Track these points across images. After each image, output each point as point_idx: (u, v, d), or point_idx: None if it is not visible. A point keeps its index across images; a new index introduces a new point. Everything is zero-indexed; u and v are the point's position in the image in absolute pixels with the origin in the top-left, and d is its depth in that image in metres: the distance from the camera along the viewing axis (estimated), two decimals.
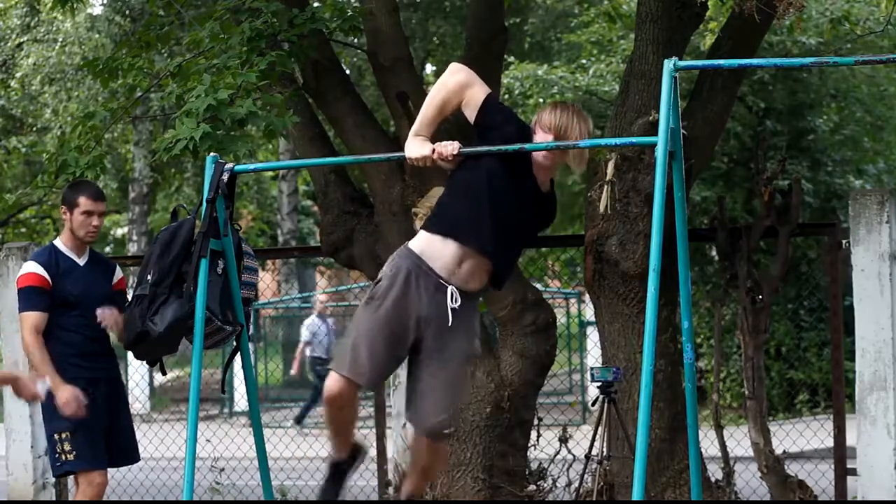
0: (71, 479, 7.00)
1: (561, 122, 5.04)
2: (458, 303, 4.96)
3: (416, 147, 5.03)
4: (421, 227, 5.16)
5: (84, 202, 6.32)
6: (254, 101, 6.40)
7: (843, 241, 7.20)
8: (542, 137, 5.07)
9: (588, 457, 7.04)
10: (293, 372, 18.89)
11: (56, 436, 6.18)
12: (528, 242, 5.47)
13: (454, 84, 5.01)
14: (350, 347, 4.94)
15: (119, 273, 6.53)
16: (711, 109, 7.38)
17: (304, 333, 17.78)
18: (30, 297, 6.22)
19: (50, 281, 6.21)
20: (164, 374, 6.27)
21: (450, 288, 4.95)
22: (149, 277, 5.71)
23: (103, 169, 7.23)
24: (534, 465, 7.68)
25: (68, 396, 6.05)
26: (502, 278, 5.11)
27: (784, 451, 7.57)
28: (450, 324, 4.95)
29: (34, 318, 6.19)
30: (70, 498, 6.50)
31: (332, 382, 4.94)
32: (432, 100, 5.04)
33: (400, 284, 4.94)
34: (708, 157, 7.93)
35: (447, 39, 22.23)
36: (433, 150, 4.99)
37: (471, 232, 4.94)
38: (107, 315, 6.17)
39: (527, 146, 5.07)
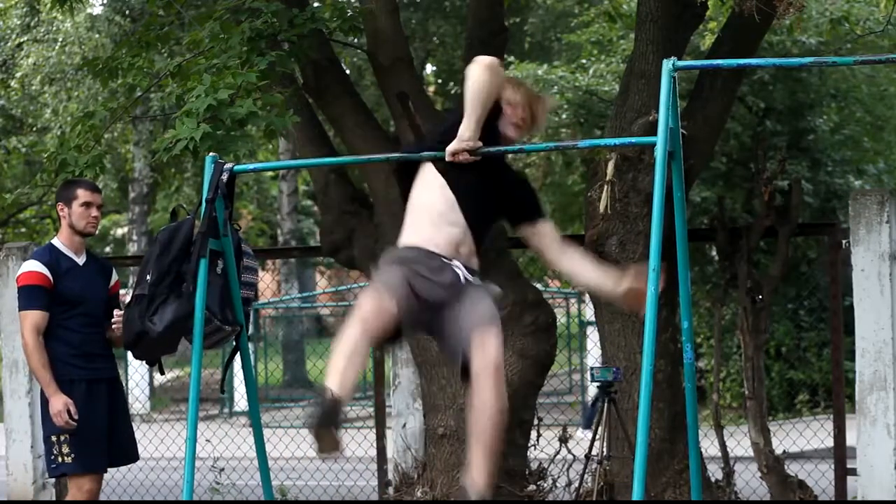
0: None
1: (522, 94, 5.12)
2: (467, 273, 4.91)
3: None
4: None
5: (82, 193, 6.32)
6: (254, 101, 6.39)
7: (843, 241, 7.20)
8: (512, 112, 5.10)
9: (588, 457, 7.04)
10: None
11: (54, 437, 6.17)
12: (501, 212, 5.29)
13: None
14: (386, 280, 4.76)
15: (115, 276, 6.53)
16: (711, 109, 7.39)
17: None
18: (31, 295, 6.20)
19: (52, 280, 6.20)
20: (162, 373, 6.27)
21: (453, 262, 4.91)
22: (148, 277, 5.70)
23: (102, 168, 7.23)
24: (534, 465, 7.68)
25: (60, 408, 6.06)
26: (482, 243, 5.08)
27: (784, 451, 7.57)
28: (459, 293, 4.87)
29: (35, 317, 6.18)
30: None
31: (373, 294, 4.68)
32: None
33: (418, 270, 4.85)
34: (708, 158, 7.94)
35: (447, 39, 22.24)
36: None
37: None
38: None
39: (526, 147, 5.11)
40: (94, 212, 6.34)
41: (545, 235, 5.17)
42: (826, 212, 14.56)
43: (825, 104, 15.16)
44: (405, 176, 5.16)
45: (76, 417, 6.09)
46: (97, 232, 6.49)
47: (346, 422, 17.49)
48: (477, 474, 4.73)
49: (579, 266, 5.15)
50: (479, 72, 4.89)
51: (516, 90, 5.15)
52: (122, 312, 6.06)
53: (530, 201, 5.24)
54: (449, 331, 4.88)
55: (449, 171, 5.01)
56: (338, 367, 4.58)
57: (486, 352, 4.72)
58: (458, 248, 4.96)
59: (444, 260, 4.91)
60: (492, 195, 5.10)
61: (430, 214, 5.00)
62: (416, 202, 5.09)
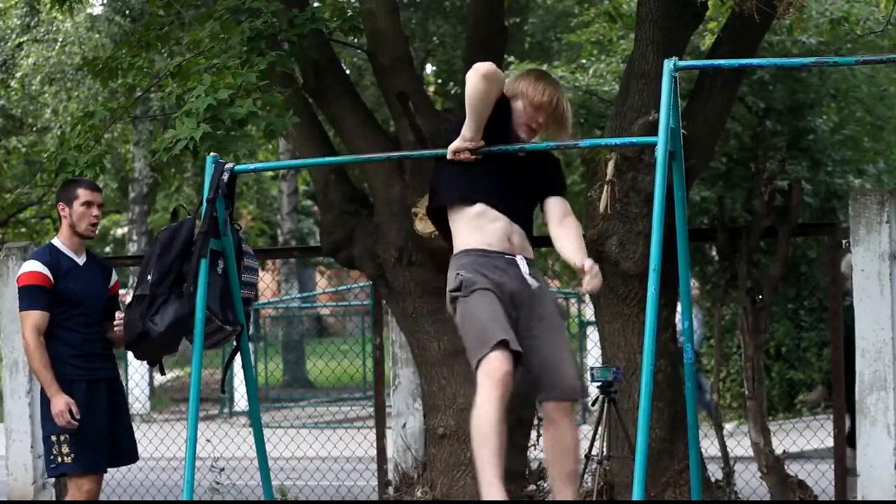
0: None
1: (547, 95, 5.16)
2: (529, 271, 5.02)
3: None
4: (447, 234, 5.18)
5: (83, 193, 6.32)
6: (254, 101, 6.39)
7: (843, 241, 7.20)
8: (531, 113, 5.14)
9: (588, 457, 7.04)
10: None
11: (54, 437, 6.17)
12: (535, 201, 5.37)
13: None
14: (487, 325, 4.78)
15: (115, 277, 6.53)
16: (711, 109, 7.38)
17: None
18: (31, 295, 6.20)
19: (52, 279, 6.20)
20: (163, 373, 6.27)
21: (517, 258, 5.02)
22: (149, 277, 5.70)
23: (102, 168, 7.23)
24: (534, 465, 7.68)
25: (62, 408, 6.05)
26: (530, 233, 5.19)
27: (784, 451, 7.57)
28: (534, 290, 5.01)
29: (36, 317, 6.17)
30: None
31: (496, 361, 4.72)
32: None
33: (483, 267, 4.94)
34: (708, 158, 7.93)
35: (447, 39, 22.24)
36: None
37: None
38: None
39: (527, 146, 5.13)
40: (95, 211, 6.34)
41: (547, 210, 5.24)
42: (826, 212, 14.55)
43: (825, 104, 15.16)
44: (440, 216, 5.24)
45: (78, 417, 6.09)
46: (97, 232, 6.49)
47: (346, 422, 17.43)
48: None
49: (557, 235, 5.17)
50: (474, 81, 4.93)
51: (540, 92, 5.18)
52: (123, 314, 6.07)
53: (546, 177, 5.27)
54: (540, 360, 4.97)
55: (460, 173, 5.06)
56: (497, 469, 4.74)
57: (568, 414, 5.01)
58: (510, 239, 5.05)
59: (507, 256, 5.01)
60: (512, 175, 5.13)
61: (469, 221, 5.07)
62: (452, 217, 5.15)
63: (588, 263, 4.94)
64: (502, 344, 4.74)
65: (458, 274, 4.96)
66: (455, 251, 5.08)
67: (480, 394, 4.74)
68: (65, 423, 6.04)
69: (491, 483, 4.71)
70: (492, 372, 4.71)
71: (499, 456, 4.74)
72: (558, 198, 5.22)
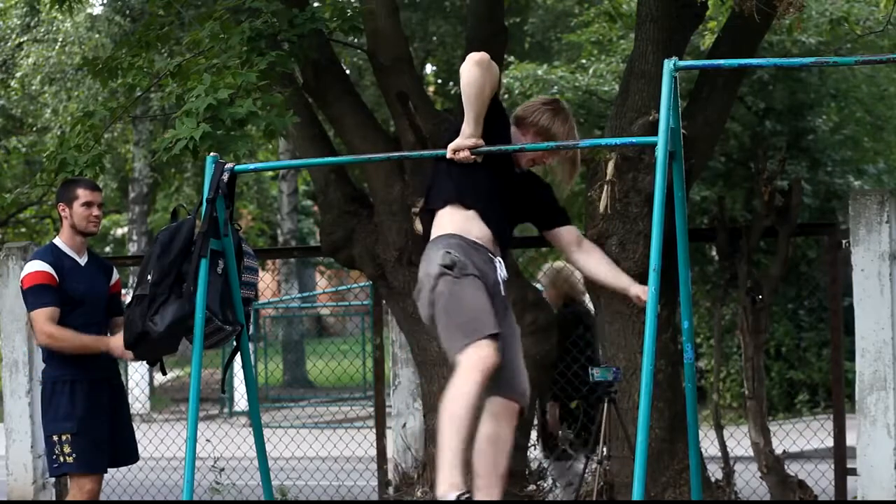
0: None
1: (563, 133, 5.24)
2: (504, 276, 5.04)
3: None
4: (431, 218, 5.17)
5: (83, 193, 6.32)
6: (254, 100, 6.39)
7: (843, 241, 7.20)
8: (533, 141, 5.21)
9: (588, 457, 7.04)
10: None
11: (56, 437, 6.17)
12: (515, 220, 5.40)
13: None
14: (483, 314, 4.77)
15: (116, 275, 6.53)
16: (711, 109, 7.38)
17: None
18: (40, 294, 6.17)
19: (57, 279, 6.19)
20: (164, 373, 6.27)
21: (497, 259, 5.04)
22: (149, 277, 5.70)
23: (102, 168, 7.23)
24: (534, 465, 7.68)
25: (115, 343, 6.08)
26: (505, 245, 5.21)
27: (784, 451, 7.57)
28: (504, 293, 5.05)
29: (47, 312, 6.13)
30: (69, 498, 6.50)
31: (488, 350, 4.69)
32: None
33: (471, 254, 4.93)
34: (708, 157, 7.94)
35: (447, 39, 22.25)
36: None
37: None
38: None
39: (527, 146, 5.12)
40: (96, 211, 6.35)
41: (561, 239, 5.39)
42: (826, 212, 14.56)
43: (825, 104, 15.18)
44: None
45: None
46: (98, 231, 6.49)
47: (346, 422, 17.42)
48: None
49: (594, 265, 5.39)
50: (469, 69, 4.91)
51: (559, 126, 5.24)
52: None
53: (550, 207, 5.36)
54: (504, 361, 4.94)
55: (460, 176, 5.05)
56: (460, 457, 4.67)
57: (515, 415, 5.05)
58: (495, 244, 5.07)
59: (490, 254, 5.02)
60: (508, 197, 5.14)
61: (461, 217, 5.05)
62: (440, 214, 5.11)
63: (642, 292, 5.13)
64: (495, 337, 4.73)
65: (448, 252, 4.90)
66: (440, 233, 5.04)
67: (464, 377, 4.67)
68: (121, 354, 6.06)
69: (454, 466, 4.64)
70: (482, 360, 4.68)
71: (467, 443, 4.71)
72: (568, 226, 5.38)
